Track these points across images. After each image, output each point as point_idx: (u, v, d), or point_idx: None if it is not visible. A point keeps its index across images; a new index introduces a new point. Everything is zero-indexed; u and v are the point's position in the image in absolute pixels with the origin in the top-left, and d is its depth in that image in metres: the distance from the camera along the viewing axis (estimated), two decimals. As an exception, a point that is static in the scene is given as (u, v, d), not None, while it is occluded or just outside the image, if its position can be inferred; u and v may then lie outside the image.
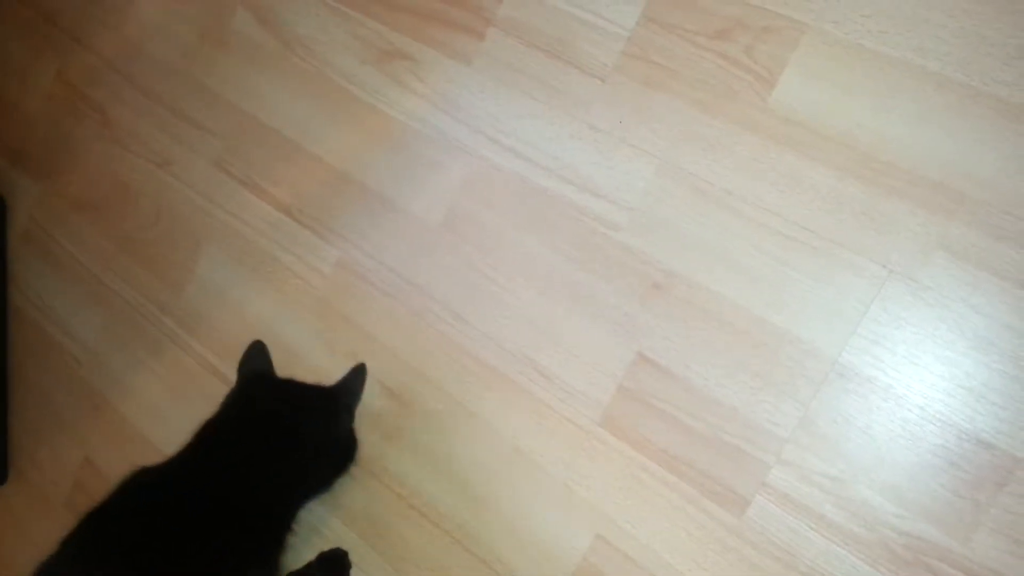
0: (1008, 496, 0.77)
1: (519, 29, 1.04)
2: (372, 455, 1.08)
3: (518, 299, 1.01)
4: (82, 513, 0.85)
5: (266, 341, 1.07)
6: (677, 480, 0.90)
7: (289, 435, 0.96)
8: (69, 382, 1.39)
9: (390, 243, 1.11)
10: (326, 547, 1.07)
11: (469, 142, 1.06)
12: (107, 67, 1.41)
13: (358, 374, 1.04)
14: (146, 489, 0.88)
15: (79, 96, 1.44)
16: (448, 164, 1.07)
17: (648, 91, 0.95)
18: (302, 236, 1.18)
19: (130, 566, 0.79)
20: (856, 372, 0.83)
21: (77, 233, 1.42)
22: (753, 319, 0.88)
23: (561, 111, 1.00)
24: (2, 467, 1.43)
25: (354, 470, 1.08)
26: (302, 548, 1.07)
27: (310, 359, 1.14)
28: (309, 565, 1.04)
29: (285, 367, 1.08)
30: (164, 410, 1.26)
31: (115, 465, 1.32)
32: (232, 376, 1.06)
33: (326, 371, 1.08)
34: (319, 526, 1.09)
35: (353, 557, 1.07)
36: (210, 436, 0.96)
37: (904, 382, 0.82)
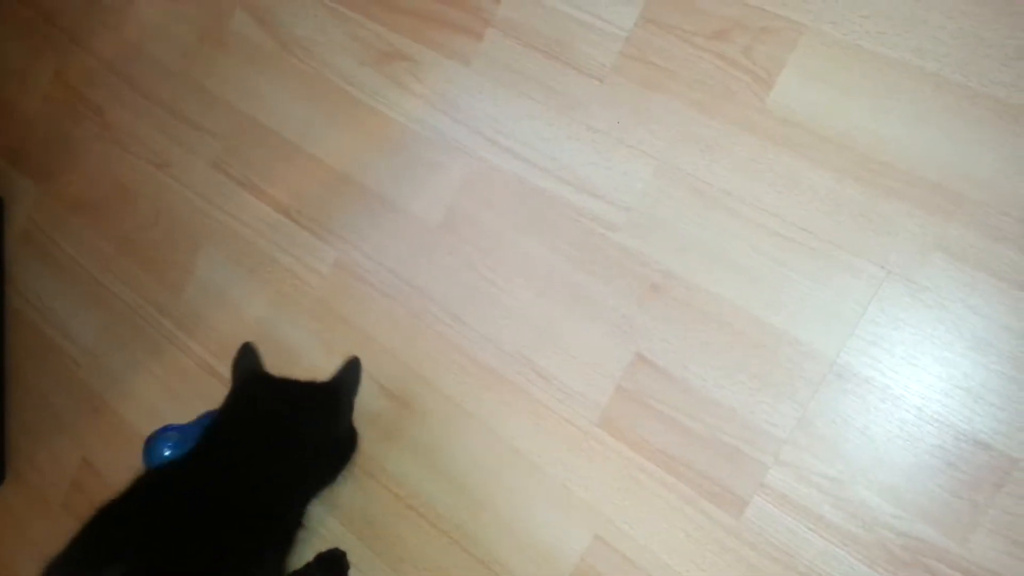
0: (1006, 497, 0.77)
1: (517, 30, 1.04)
2: (370, 455, 1.08)
3: (517, 300, 1.01)
4: (87, 513, 0.85)
5: (265, 342, 1.08)
6: (675, 481, 0.90)
7: (293, 433, 0.97)
8: (67, 383, 1.39)
9: (389, 244, 1.11)
10: (325, 548, 1.07)
11: (468, 143, 1.06)
12: (106, 68, 1.41)
13: (353, 367, 1.05)
14: (156, 489, 0.89)
15: (78, 97, 1.44)
16: (447, 165, 1.07)
17: (646, 92, 0.95)
18: (301, 237, 1.18)
19: (142, 563, 0.79)
20: (854, 373, 0.83)
21: (76, 234, 1.42)
22: (751, 320, 0.88)
23: (559, 112, 1.00)
24: (0, 468, 1.43)
25: (353, 470, 1.08)
26: (301, 548, 1.07)
27: (308, 359, 1.14)
28: (308, 565, 1.05)
29: (284, 367, 1.08)
30: (163, 411, 1.26)
31: (113, 466, 1.32)
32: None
33: (324, 371, 1.08)
34: (318, 527, 1.09)
35: (351, 558, 1.07)
36: (216, 439, 0.96)
37: (902, 383, 0.82)
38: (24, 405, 1.44)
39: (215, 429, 0.97)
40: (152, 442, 1.13)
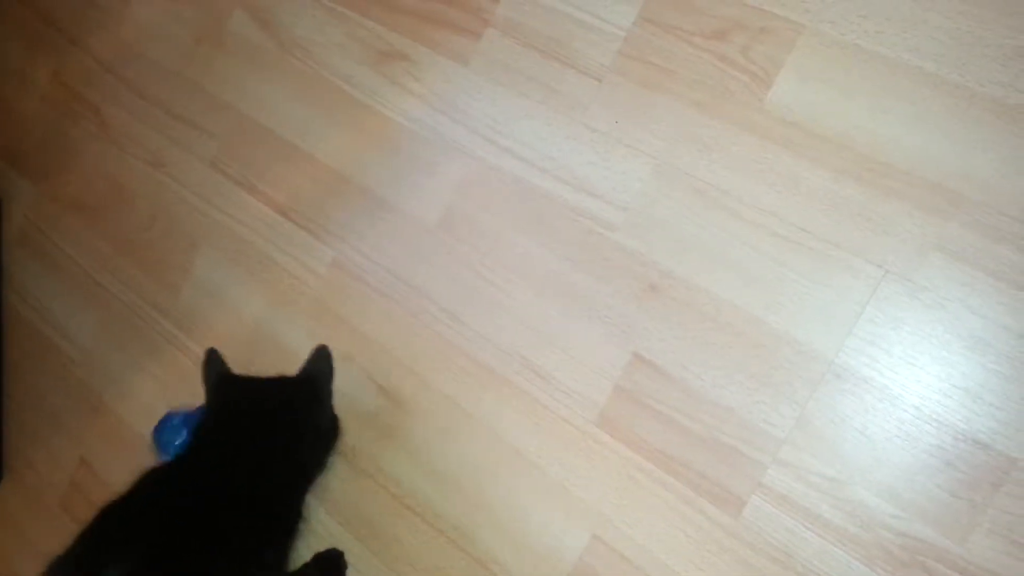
0: (1005, 496, 0.77)
1: (516, 30, 1.04)
2: (368, 455, 1.08)
3: (514, 299, 1.01)
4: (85, 512, 0.86)
5: (262, 341, 1.08)
6: (673, 480, 0.90)
7: (281, 428, 0.97)
8: (65, 383, 1.38)
9: (386, 243, 1.11)
10: (323, 548, 1.07)
11: (466, 143, 1.06)
12: (103, 68, 1.41)
13: (322, 355, 1.02)
14: (157, 489, 0.90)
15: (75, 97, 1.44)
16: (445, 165, 1.07)
17: (645, 92, 0.95)
18: (299, 237, 1.18)
19: (145, 563, 0.80)
20: (852, 373, 0.83)
21: (73, 234, 1.41)
22: (750, 320, 0.88)
23: (558, 111, 1.00)
24: (-2, 468, 1.43)
25: (350, 470, 1.08)
26: (299, 549, 1.07)
27: (306, 359, 1.14)
28: (306, 566, 1.05)
29: (281, 367, 1.07)
30: (161, 411, 1.25)
31: (111, 466, 1.31)
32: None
33: (323, 372, 1.07)
34: (315, 527, 1.09)
35: (349, 558, 1.06)
36: (206, 442, 0.96)
37: (900, 383, 0.82)
38: (22, 405, 1.44)
39: (203, 434, 0.98)
40: (161, 428, 1.14)
